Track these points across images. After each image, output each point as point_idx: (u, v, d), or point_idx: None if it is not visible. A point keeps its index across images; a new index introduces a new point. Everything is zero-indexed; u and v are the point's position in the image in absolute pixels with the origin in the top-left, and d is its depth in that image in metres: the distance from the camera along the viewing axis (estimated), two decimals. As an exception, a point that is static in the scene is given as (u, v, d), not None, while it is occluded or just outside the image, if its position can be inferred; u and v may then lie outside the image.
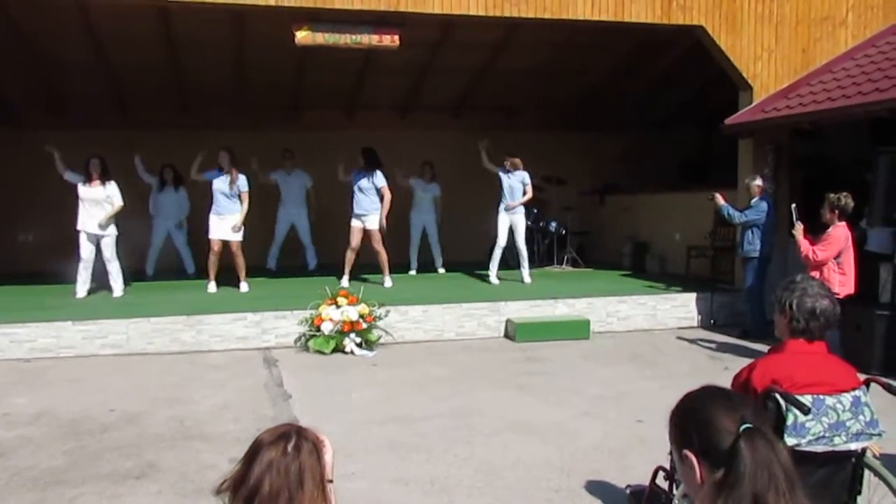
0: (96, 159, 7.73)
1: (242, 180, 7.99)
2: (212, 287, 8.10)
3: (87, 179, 7.68)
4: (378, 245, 8.29)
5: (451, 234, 10.14)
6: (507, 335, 7.33)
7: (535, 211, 10.60)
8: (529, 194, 8.71)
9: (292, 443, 1.59)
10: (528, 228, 10.32)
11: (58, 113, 10.01)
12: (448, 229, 10.04)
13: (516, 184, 8.68)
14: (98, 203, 7.65)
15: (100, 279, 7.86)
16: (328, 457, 1.64)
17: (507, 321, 7.36)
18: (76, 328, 6.49)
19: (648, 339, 7.37)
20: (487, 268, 8.85)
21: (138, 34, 8.55)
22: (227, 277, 8.27)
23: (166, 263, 9.56)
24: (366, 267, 8.74)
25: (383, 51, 8.05)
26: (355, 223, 8.29)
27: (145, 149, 9.58)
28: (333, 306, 6.78)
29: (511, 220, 8.62)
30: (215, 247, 8.01)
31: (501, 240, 8.64)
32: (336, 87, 10.33)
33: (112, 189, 7.70)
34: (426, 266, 9.90)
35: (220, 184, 7.97)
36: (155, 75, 9.53)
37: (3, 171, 10.03)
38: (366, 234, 8.27)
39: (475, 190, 10.14)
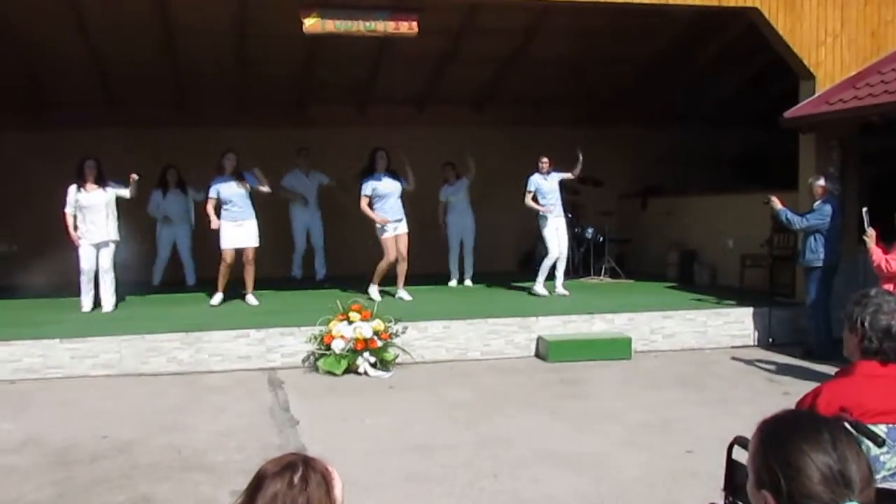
0: (92, 161, 7.85)
1: (249, 177, 8.17)
2: (217, 299, 8.20)
3: (81, 183, 7.77)
4: (405, 252, 8.40)
5: (476, 241, 10.13)
6: (538, 354, 7.31)
7: (570, 216, 10.58)
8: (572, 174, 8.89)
9: (299, 474, 1.60)
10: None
11: (37, 111, 10.17)
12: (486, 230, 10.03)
13: (556, 185, 8.76)
14: (98, 209, 7.75)
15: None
16: (338, 490, 1.66)
17: (539, 339, 7.34)
18: (64, 346, 6.59)
19: (698, 359, 7.30)
20: (515, 279, 8.86)
21: (130, 21, 8.65)
22: (231, 289, 8.37)
23: (164, 273, 9.72)
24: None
25: (400, 39, 8.12)
26: (390, 231, 8.38)
27: (139, 148, 9.75)
28: (345, 322, 6.80)
29: (556, 225, 8.77)
30: (229, 258, 8.11)
31: (554, 250, 8.74)
32: (347, 80, 10.41)
33: (112, 192, 7.84)
34: (445, 278, 9.95)
35: (229, 189, 8.09)
36: (149, 68, 9.66)
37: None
38: (398, 241, 8.41)
39: (499, 192, 10.13)
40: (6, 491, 4.19)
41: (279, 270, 9.83)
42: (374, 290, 8.43)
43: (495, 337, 7.33)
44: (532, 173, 8.88)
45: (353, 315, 6.84)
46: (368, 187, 8.40)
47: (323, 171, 9.84)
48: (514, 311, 7.75)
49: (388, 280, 8.62)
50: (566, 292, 8.84)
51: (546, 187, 8.83)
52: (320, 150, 10.07)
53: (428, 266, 9.61)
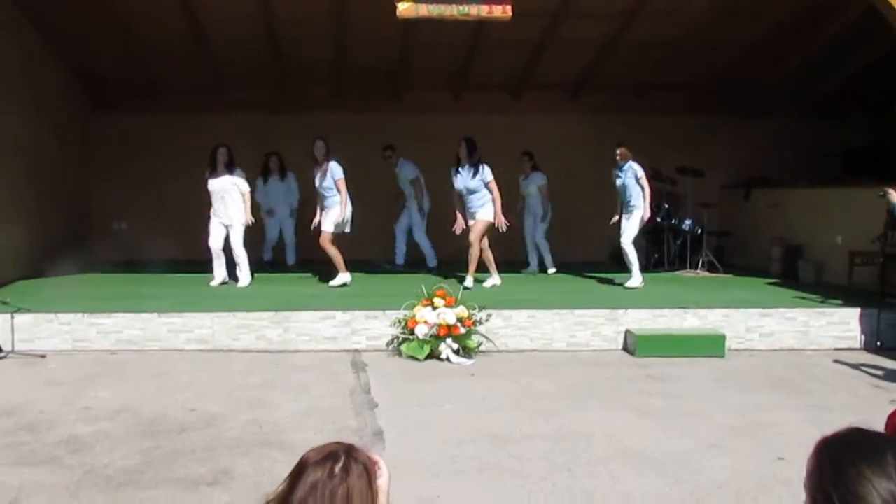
0: (223, 148, 8.32)
1: (334, 167, 8.24)
2: (339, 279, 8.40)
3: (212, 169, 8.28)
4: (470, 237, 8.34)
5: (566, 230, 9.98)
6: (625, 348, 7.12)
7: (666, 206, 10.29)
8: (647, 189, 8.51)
9: (340, 464, 1.56)
10: (657, 226, 10.08)
11: (151, 95, 10.64)
12: (561, 225, 9.89)
13: (629, 181, 8.53)
14: (220, 194, 8.29)
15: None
16: (382, 481, 1.60)
17: (627, 332, 7.14)
18: (162, 321, 6.86)
19: (797, 360, 6.92)
20: (605, 270, 8.68)
21: (238, 14, 8.94)
22: (323, 272, 8.54)
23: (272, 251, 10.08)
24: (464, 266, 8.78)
25: (494, 23, 8.01)
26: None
27: (241, 134, 10.06)
28: (429, 308, 6.80)
29: (625, 218, 8.59)
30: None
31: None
32: (441, 66, 10.38)
33: (238, 177, 8.32)
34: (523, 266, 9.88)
35: (315, 180, 8.34)
36: (253, 56, 9.94)
37: (100, 156, 10.80)
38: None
39: (596, 181, 9.92)
40: (97, 456, 4.38)
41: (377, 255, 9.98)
42: (494, 279, 8.52)
43: (582, 328, 7.18)
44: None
45: (438, 301, 6.84)
46: (453, 180, 8.43)
47: (412, 160, 9.81)
48: (602, 302, 7.58)
49: (482, 267, 8.55)
50: (636, 284, 8.45)
51: (618, 182, 8.59)
52: (416, 136, 10.12)
53: (510, 254, 9.53)
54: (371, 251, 9.96)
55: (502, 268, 8.81)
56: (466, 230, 8.44)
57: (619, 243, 8.63)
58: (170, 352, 6.74)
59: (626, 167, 8.58)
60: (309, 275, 9.20)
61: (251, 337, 6.90)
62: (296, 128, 10.12)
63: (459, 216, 8.43)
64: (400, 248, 10.06)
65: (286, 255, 10.08)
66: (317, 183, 8.35)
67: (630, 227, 8.52)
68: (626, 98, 10.95)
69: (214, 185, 8.30)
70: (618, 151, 8.60)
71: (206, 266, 8.56)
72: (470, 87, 10.95)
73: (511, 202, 9.19)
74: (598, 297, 8.17)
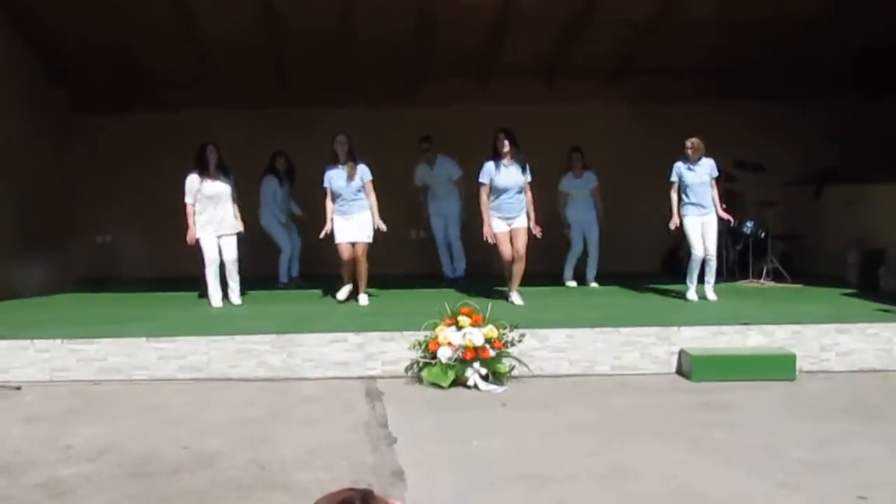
0: (212, 146, 8.38)
1: (364, 168, 8.36)
2: (344, 293, 8.54)
3: (204, 171, 8.33)
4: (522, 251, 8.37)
5: (607, 238, 9.96)
6: (680, 371, 7.07)
7: (724, 207, 10.22)
8: (715, 191, 8.59)
9: (356, 513, 1.56)
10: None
11: (138, 93, 10.76)
12: (603, 232, 9.87)
13: (705, 177, 8.52)
14: (224, 198, 8.37)
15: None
16: (404, 531, 1.60)
17: (681, 353, 7.10)
18: (151, 346, 6.92)
19: (881, 384, 6.84)
20: (655, 281, 8.66)
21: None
22: (328, 287, 8.56)
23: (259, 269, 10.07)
24: (496, 278, 8.78)
25: (524, 2, 8.02)
26: (502, 227, 8.41)
27: (238, 130, 10.15)
28: (453, 327, 6.81)
29: (702, 222, 8.55)
30: (346, 253, 8.36)
31: (697, 249, 8.52)
32: (465, 50, 10.41)
33: (231, 180, 8.45)
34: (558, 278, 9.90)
35: (337, 178, 8.35)
36: (249, 43, 10.03)
37: (80, 162, 10.93)
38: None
39: (640, 182, 9.87)
40: (80, 502, 4.41)
41: (390, 267, 10.03)
42: (515, 297, 8.50)
43: (629, 349, 7.15)
44: (678, 160, 8.61)
45: (463, 319, 6.84)
46: (485, 174, 8.40)
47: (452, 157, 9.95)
48: (653, 319, 7.55)
49: (502, 280, 8.58)
50: (713, 297, 8.58)
51: (691, 178, 8.56)
52: (437, 130, 10.17)
53: (548, 265, 9.51)
54: (386, 263, 9.99)
55: (543, 281, 8.79)
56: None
57: (693, 253, 8.55)
58: (160, 382, 6.79)
59: (702, 162, 8.58)
60: (314, 291, 9.25)
61: (251, 363, 6.93)
62: (295, 125, 10.23)
63: (493, 222, 8.39)
64: (457, 254, 10.26)
65: (279, 270, 10.11)
66: (337, 185, 8.37)
67: (715, 235, 8.60)
68: (666, 83, 10.91)
69: (210, 188, 8.35)
70: (689, 143, 8.57)
71: (199, 284, 8.63)
72: (497, 74, 10.97)
73: (544, 205, 9.19)
74: (648, 312, 8.13)
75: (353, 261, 8.39)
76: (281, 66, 10.72)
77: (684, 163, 8.61)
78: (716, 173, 8.63)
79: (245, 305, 8.55)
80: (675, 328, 7.23)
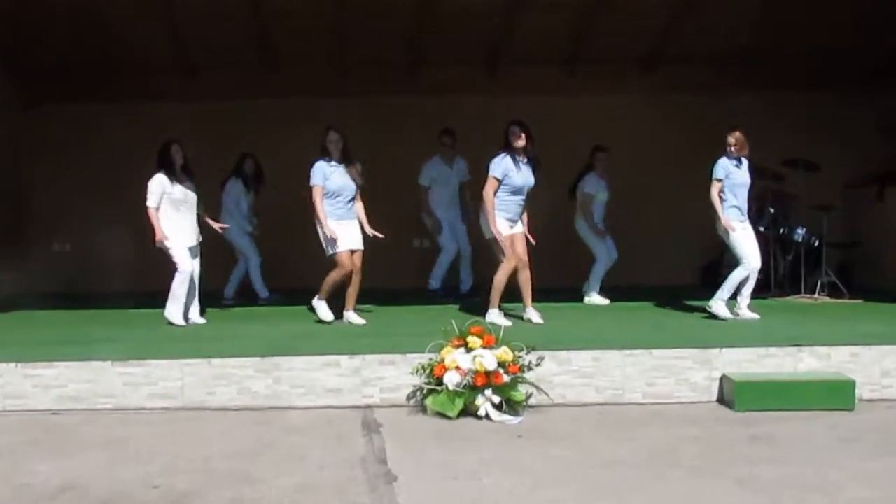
0: (177, 144, 8.56)
1: (360, 169, 8.55)
2: (326, 314, 8.62)
3: (171, 172, 8.49)
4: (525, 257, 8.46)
5: (636, 246, 9.99)
6: (721, 400, 7.08)
7: (772, 211, 10.25)
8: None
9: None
10: (761, 237, 10.06)
11: (101, 83, 10.82)
12: (631, 240, 9.91)
13: (747, 178, 8.63)
14: (193, 203, 8.60)
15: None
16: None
17: (723, 378, 7.11)
18: (117, 370, 6.94)
19: (952, 414, 6.82)
20: (693, 295, 8.71)
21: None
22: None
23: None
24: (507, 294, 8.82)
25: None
26: (510, 229, 8.49)
27: (216, 124, 10.22)
28: (462, 349, 6.81)
29: (743, 227, 8.64)
30: (348, 264, 8.44)
31: (754, 259, 8.56)
32: (471, 33, 10.47)
33: (194, 185, 8.67)
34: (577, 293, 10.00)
35: (336, 176, 8.43)
36: (229, 25, 10.11)
37: (37, 161, 11.00)
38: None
39: (671, 184, 9.90)
40: (35, 549, 4.44)
41: (390, 281, 10.09)
42: (495, 315, 8.45)
43: (663, 374, 7.16)
44: (720, 157, 8.65)
45: (473, 340, 6.83)
46: (499, 168, 8.42)
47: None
48: (690, 339, 7.56)
49: (513, 296, 8.61)
50: (754, 315, 8.62)
51: (738, 178, 8.62)
52: (441, 124, 10.21)
53: (567, 278, 9.55)
54: (387, 276, 10.06)
55: (562, 296, 8.81)
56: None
57: (747, 264, 8.59)
58: (127, 411, 6.81)
59: (743, 161, 8.66)
60: (299, 307, 9.27)
61: (231, 390, 6.96)
62: (281, 117, 10.30)
63: (500, 223, 8.45)
64: (467, 266, 10.53)
65: (255, 285, 10.45)
66: (337, 183, 8.47)
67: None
68: (704, 72, 10.95)
69: (180, 192, 8.49)
70: (733, 138, 8.61)
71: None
72: (511, 61, 11.01)
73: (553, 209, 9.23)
74: (685, 332, 8.15)
75: (350, 273, 8.44)
76: (266, 46, 10.76)
77: (728, 159, 8.64)
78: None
79: (223, 324, 8.59)
80: (716, 350, 7.23)
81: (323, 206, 8.41)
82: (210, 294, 9.64)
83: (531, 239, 8.63)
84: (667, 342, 7.44)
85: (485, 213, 8.41)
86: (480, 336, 6.87)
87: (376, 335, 7.92)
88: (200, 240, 8.72)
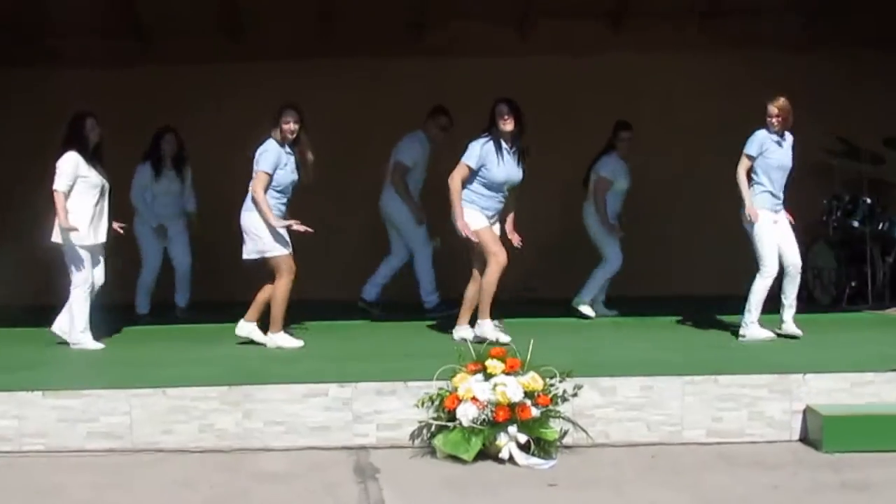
0: (93, 119, 8.58)
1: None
2: (287, 340, 8.63)
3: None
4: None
5: (684, 244, 9.93)
6: (805, 438, 7.03)
7: (868, 202, 10.20)
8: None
9: None
10: (850, 235, 9.98)
11: (37, 43, 10.82)
12: (675, 236, 9.85)
13: (788, 158, 8.59)
14: (105, 193, 8.62)
15: None
16: None
17: (807, 411, 7.05)
18: (48, 403, 6.86)
19: None
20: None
21: None
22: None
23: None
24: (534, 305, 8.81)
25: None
26: (482, 221, 8.56)
27: (170, 94, 10.20)
28: (479, 375, 6.77)
29: (775, 220, 8.61)
30: (293, 267, 8.50)
31: (772, 264, 8.55)
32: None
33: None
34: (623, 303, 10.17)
35: (288, 168, 8.56)
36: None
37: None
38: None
39: (723, 153, 9.79)
40: None
41: (393, 290, 10.10)
42: (489, 328, 8.53)
43: (731, 406, 7.10)
44: (757, 129, 8.59)
45: (493, 365, 6.79)
46: (474, 155, 8.50)
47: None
48: (765, 362, 7.54)
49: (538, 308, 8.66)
50: (797, 332, 8.63)
51: (776, 157, 8.53)
52: (453, 93, 10.18)
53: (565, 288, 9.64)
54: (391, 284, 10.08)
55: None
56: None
57: (765, 269, 8.58)
58: (62, 454, 6.75)
59: (787, 136, 8.60)
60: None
61: (192, 427, 6.90)
62: (246, 82, 10.36)
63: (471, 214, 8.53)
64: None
65: (176, 292, 10.66)
66: (286, 177, 8.57)
67: (794, 238, 8.62)
68: (766, 27, 10.91)
69: (96, 178, 8.51)
70: (775, 106, 8.50)
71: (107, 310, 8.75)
72: (541, 14, 10.99)
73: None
74: (757, 352, 8.12)
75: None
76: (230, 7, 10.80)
77: (769, 133, 8.53)
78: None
79: (178, 344, 8.62)
80: (799, 376, 7.17)
81: (265, 197, 8.40)
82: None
83: (515, 240, 8.71)
84: (735, 366, 7.42)
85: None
86: (502, 359, 6.83)
87: (371, 358, 7.89)
88: (105, 240, 8.67)
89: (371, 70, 10.92)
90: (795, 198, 8.86)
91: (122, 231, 9.01)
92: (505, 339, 8.31)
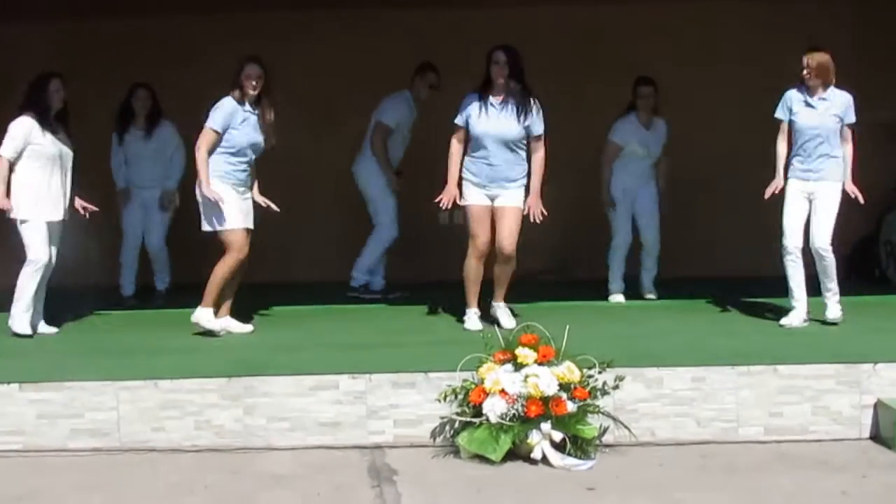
0: (59, 79, 8.58)
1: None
2: (215, 322, 8.58)
3: (44, 116, 8.49)
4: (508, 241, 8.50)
5: (745, 223, 9.97)
6: (876, 436, 7.10)
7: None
8: (848, 148, 8.52)
9: None
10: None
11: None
12: (725, 210, 9.89)
13: (828, 120, 8.43)
14: (61, 166, 8.61)
15: None
16: None
17: (878, 405, 7.12)
18: (26, 397, 6.97)
19: None
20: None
21: None
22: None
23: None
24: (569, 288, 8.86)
25: None
26: (479, 199, 8.55)
27: (115, 51, 10.32)
28: (508, 365, 6.84)
29: (808, 194, 8.56)
30: (244, 246, 8.50)
31: (789, 237, 8.58)
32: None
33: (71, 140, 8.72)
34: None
35: (246, 126, 8.52)
36: None
37: None
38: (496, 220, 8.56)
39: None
40: None
41: (403, 269, 10.19)
42: (470, 317, 8.65)
43: (793, 400, 7.17)
44: (789, 87, 8.60)
45: (524, 353, 6.86)
46: (461, 111, 8.52)
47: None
48: (830, 350, 7.57)
49: (576, 291, 8.68)
50: (831, 317, 8.70)
51: (805, 119, 8.47)
52: (455, 50, 10.27)
53: (631, 265, 9.77)
54: (400, 263, 10.14)
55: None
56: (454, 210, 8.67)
57: (786, 244, 8.65)
58: (44, 454, 6.85)
59: (828, 95, 8.48)
60: (283, 308, 9.36)
61: (186, 424, 7.00)
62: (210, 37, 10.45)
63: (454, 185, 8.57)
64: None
65: (154, 274, 10.76)
66: (244, 137, 8.52)
67: (829, 216, 8.52)
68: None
69: (53, 146, 8.51)
70: (808, 60, 8.44)
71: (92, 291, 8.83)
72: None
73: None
74: (821, 339, 8.14)
75: (244, 262, 8.51)
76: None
77: (799, 92, 8.53)
78: (851, 118, 8.46)
79: (169, 330, 8.69)
80: (869, 366, 7.22)
81: (204, 155, 8.34)
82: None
83: (537, 214, 8.49)
84: (797, 354, 7.43)
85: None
86: (534, 347, 6.89)
87: (386, 345, 7.97)
88: (67, 217, 8.68)
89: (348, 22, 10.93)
90: (865, 163, 8.81)
91: (84, 213, 8.87)
92: (478, 327, 8.47)
